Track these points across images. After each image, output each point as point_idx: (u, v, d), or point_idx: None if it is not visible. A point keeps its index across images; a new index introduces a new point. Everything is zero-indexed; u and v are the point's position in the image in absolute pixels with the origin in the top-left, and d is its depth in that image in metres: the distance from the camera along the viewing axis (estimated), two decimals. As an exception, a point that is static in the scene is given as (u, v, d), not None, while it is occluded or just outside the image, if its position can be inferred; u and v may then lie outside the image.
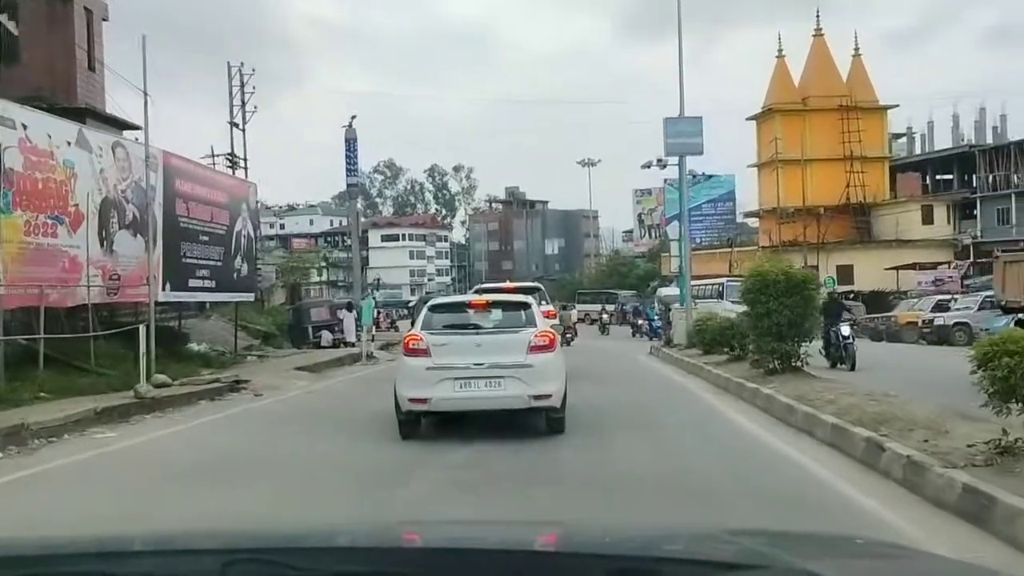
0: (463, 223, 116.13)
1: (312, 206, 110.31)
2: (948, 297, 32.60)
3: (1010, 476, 5.34)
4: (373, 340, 25.03)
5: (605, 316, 43.51)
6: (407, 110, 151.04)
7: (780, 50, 52.92)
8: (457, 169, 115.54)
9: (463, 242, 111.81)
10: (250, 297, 24.61)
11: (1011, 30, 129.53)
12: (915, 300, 34.66)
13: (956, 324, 28.29)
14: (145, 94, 16.47)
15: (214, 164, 32.86)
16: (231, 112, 36.47)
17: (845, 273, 44.21)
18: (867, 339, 28.43)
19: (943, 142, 60.35)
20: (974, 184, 49.79)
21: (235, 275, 21.94)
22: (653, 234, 79.31)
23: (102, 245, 15.93)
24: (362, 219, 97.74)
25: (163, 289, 17.85)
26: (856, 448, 7.13)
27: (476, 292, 16.14)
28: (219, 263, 20.64)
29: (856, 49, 53.03)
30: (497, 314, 9.96)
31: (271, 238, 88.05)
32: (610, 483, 6.91)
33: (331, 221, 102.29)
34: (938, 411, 7.88)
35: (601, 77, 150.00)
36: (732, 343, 16.96)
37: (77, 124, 15.94)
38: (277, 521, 5.55)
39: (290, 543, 1.76)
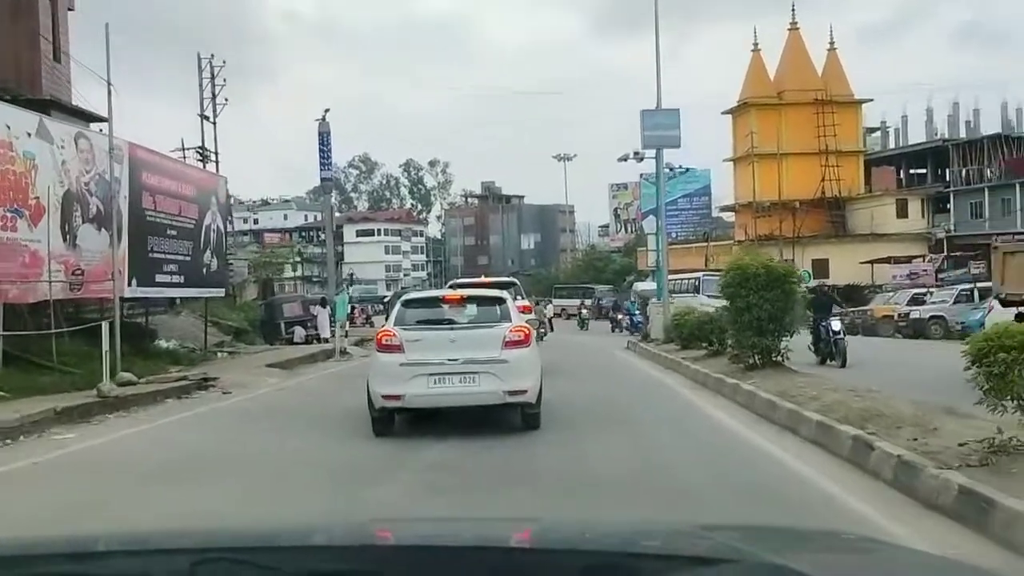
0: (439, 218, 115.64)
1: (286, 201, 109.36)
2: (924, 291, 32.68)
3: (1007, 477, 5.11)
4: (347, 336, 24.64)
5: (584, 311, 43.04)
6: (382, 105, 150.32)
7: (756, 44, 52.99)
8: (433, 164, 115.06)
9: (439, 237, 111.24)
10: (220, 293, 24.13)
11: (984, 25, 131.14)
12: (890, 294, 34.72)
13: (932, 317, 28.34)
14: (108, 83, 15.98)
15: (184, 157, 32.25)
16: (201, 105, 35.88)
17: (820, 267, 44.27)
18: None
19: (917, 136, 60.59)
20: (947, 178, 50.07)
21: (205, 270, 21.46)
22: (629, 229, 79.22)
23: (65, 239, 15.44)
24: (337, 214, 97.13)
25: (129, 285, 17.36)
26: (843, 447, 6.89)
27: (451, 287, 15.86)
28: (188, 258, 20.14)
29: (831, 43, 53.23)
30: (471, 309, 9.88)
31: (245, 233, 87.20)
32: (587, 483, 6.70)
33: (305, 216, 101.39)
34: (924, 407, 7.67)
35: (577, 72, 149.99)
36: (711, 338, 16.74)
37: (37, 115, 15.42)
38: (248, 521, 5.36)
39: (261, 542, 1.74)
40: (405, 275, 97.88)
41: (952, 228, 46.75)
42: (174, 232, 19.51)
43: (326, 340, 25.60)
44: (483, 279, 19.17)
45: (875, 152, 57.41)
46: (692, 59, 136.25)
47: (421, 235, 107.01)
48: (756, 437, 8.44)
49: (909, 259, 43.61)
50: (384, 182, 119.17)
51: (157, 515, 5.81)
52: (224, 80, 36.24)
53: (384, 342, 9.25)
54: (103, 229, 16.25)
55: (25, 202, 14.19)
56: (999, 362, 5.38)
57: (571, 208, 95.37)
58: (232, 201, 60.05)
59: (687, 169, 46.36)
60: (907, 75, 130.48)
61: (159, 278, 18.93)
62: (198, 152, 34.57)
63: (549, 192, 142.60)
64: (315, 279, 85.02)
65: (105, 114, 17.52)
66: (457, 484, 6.84)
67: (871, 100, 54.52)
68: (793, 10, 55.16)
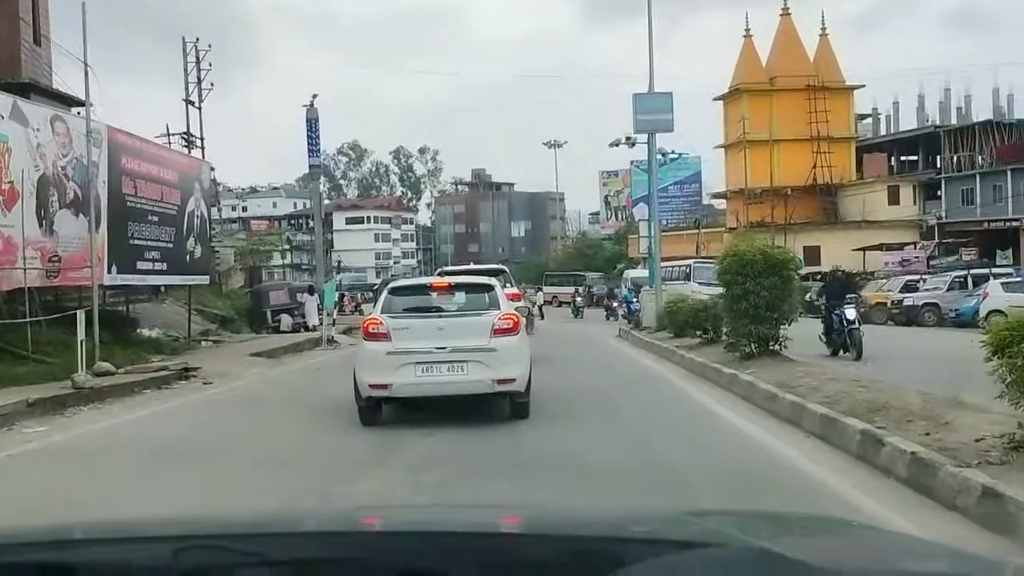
0: (429, 206, 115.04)
1: (275, 188, 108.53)
2: (917, 278, 32.45)
3: (1031, 476, 4.76)
4: (334, 324, 24.22)
5: (579, 299, 42.00)
6: (372, 92, 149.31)
7: (747, 29, 52.57)
8: (423, 151, 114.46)
9: (429, 225, 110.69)
10: (204, 280, 23.65)
11: (975, 12, 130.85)
12: (883, 281, 34.47)
13: (925, 304, 28.10)
14: (86, 64, 15.57)
15: (170, 143, 31.72)
16: (186, 89, 35.30)
17: (812, 254, 43.97)
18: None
19: (908, 123, 60.27)
20: (939, 165, 49.85)
21: (188, 257, 20.99)
22: (620, 216, 78.95)
23: (40, 225, 14.96)
24: (326, 201, 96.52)
25: (108, 272, 16.89)
26: (850, 441, 6.51)
27: (439, 275, 15.52)
28: (170, 245, 19.67)
29: (823, 29, 52.88)
30: (460, 297, 9.76)
31: (233, 221, 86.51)
32: (579, 477, 6.41)
33: (294, 204, 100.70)
34: (932, 399, 7.29)
35: (568, 59, 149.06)
36: (705, 326, 16.38)
37: (12, 96, 14.89)
38: (231, 509, 5.16)
39: (245, 529, 1.70)
40: (395, 263, 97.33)
41: (943, 215, 46.56)
42: (156, 218, 19.03)
43: (314, 328, 25.14)
44: (472, 266, 18.79)
45: (866, 139, 57.15)
46: (683, 47, 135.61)
47: (411, 223, 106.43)
48: (758, 431, 8.05)
49: (901, 246, 43.41)
50: (374, 169, 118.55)
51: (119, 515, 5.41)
52: (210, 64, 35.71)
53: (371, 330, 9.09)
54: (81, 215, 15.77)
55: (-2, 186, 13.72)
56: (1023, 352, 5.02)
57: (561, 195, 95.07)
58: (220, 188, 59.44)
59: (680, 155, 45.89)
60: (898, 62, 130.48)
61: (140, 265, 18.47)
62: (183, 138, 34.01)
63: (539, 179, 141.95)
64: (304, 267, 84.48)
65: (80, 94, 17.09)
66: (445, 474, 6.70)
67: (863, 86, 54.31)
68: (785, -5, 54.52)
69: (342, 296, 43.03)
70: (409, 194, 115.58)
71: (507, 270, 19.23)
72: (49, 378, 12.81)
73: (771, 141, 49.83)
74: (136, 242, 18.18)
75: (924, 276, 33.08)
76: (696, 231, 50.91)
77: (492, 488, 6.19)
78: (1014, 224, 41.73)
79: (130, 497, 6.27)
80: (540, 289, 44.44)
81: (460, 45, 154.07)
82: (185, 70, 35.46)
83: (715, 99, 54.24)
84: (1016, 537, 4.21)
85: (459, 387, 8.79)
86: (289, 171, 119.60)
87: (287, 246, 79.42)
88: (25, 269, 14.23)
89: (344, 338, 23.18)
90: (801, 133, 50.00)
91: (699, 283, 30.38)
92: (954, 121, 55.21)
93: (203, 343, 21.51)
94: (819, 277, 39.03)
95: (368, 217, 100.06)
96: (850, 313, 14.80)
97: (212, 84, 35.68)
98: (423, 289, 10.19)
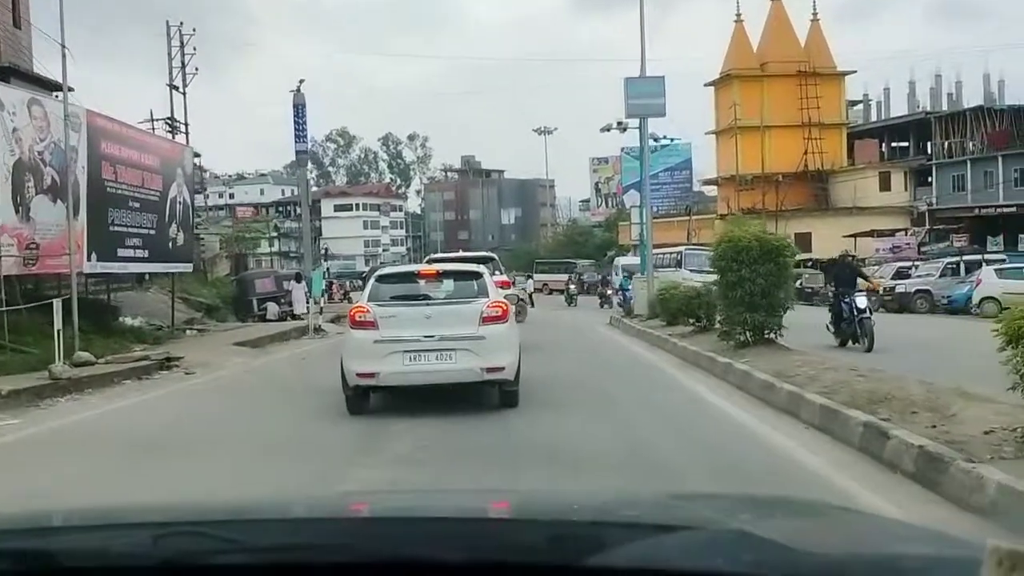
0: (418, 193, 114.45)
1: (263, 175, 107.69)
2: (908, 264, 32.32)
3: (1048, 472, 4.49)
4: (322, 312, 23.88)
5: (572, 287, 41.26)
6: (361, 78, 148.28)
7: (738, 15, 52.22)
8: (412, 138, 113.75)
9: (418, 212, 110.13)
10: (188, 268, 23.26)
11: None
12: (876, 267, 34.33)
13: (917, 291, 27.93)
14: (63, 46, 15.14)
15: (153, 128, 31.27)
16: (170, 74, 34.81)
17: (803, 240, 43.78)
18: (827, 308, 27.95)
19: (899, 109, 60.23)
20: (929, 151, 49.72)
21: (170, 244, 20.60)
22: (610, 203, 78.78)
23: (17, 211, 14.59)
24: (314, 188, 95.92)
25: (88, 259, 16.53)
26: (852, 434, 6.24)
27: (428, 262, 15.26)
28: (152, 231, 19.27)
29: (814, 14, 52.57)
30: (448, 284, 9.65)
31: (220, 208, 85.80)
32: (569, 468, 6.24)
33: (282, 191, 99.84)
34: (935, 389, 7.04)
35: (558, 45, 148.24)
36: (698, 314, 16.11)
37: (-15, 78, 14.52)
38: (213, 497, 4.96)
39: (227, 516, 1.67)
40: (384, 250, 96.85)
41: (934, 201, 46.45)
42: (137, 204, 18.63)
43: (301, 317, 24.78)
44: (460, 254, 18.53)
45: (857, 125, 56.99)
46: (674, 33, 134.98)
47: (400, 210, 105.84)
48: (754, 421, 7.78)
49: (892, 232, 43.28)
50: (362, 156, 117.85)
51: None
52: (194, 49, 35.28)
53: (357, 319, 8.99)
54: (59, 201, 15.39)
55: (-29, 172, 13.34)
56: (1039, 342, 4.77)
57: (552, 182, 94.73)
58: (207, 175, 58.88)
59: (672, 139, 45.58)
60: (889, 46, 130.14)
61: (121, 252, 18.08)
62: (167, 123, 33.56)
63: (530, 166, 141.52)
64: (292, 254, 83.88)
65: (70, 83, 16.69)
66: (434, 463, 6.62)
67: (854, 72, 54.12)
68: (776, -20, 54.15)
69: (331, 284, 42.68)
70: (398, 181, 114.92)
71: (496, 258, 19.02)
72: (27, 368, 12.48)
73: (762, 127, 49.61)
74: (116, 229, 17.79)
75: (916, 263, 32.96)
76: (687, 218, 50.65)
77: (481, 477, 6.11)
78: (1005, 210, 41.66)
79: (105, 492, 5.97)
80: (530, 277, 44.06)
81: (450, 30, 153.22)
82: (169, 54, 35.02)
83: (706, 85, 53.96)
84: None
85: (447, 376, 8.69)
86: (277, 158, 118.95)
87: (274, 233, 78.87)
88: (1, 256, 13.88)
89: (332, 326, 22.85)
90: (792, 119, 49.79)
91: (690, 270, 30.18)
92: (945, 107, 55.16)
93: (187, 332, 21.15)
94: (810, 264, 38.98)
95: (357, 204, 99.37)
96: (861, 301, 13.87)
97: (196, 69, 35.31)
98: (411, 277, 10.02)
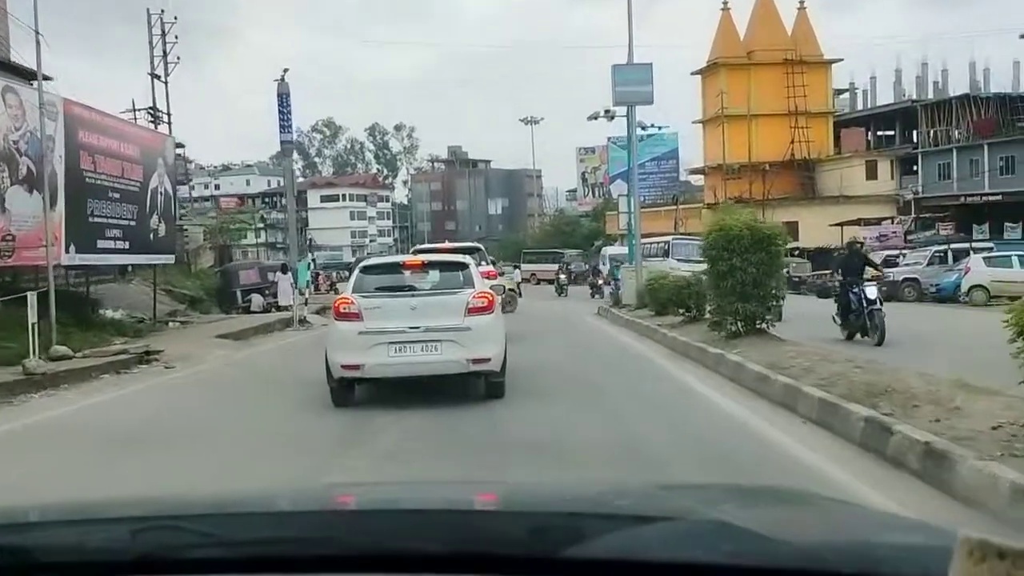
0: (405, 183, 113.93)
1: (248, 166, 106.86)
2: (896, 252, 32.26)
3: (1061, 470, 4.28)
4: (307, 304, 23.56)
5: (562, 276, 40.68)
6: (347, 68, 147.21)
7: (725, 3, 51.93)
8: (398, 128, 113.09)
9: (405, 203, 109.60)
10: (170, 259, 22.85)
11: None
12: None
13: (905, 280, 27.83)
14: (37, 32, 14.75)
15: (135, 118, 30.83)
16: (152, 63, 34.33)
17: (790, 229, 43.49)
18: (814, 296, 27.94)
19: (885, 98, 60.22)
20: (915, 139, 49.69)
21: (152, 236, 20.21)
22: (597, 193, 78.63)
23: (-10, 202, 14.22)
24: (300, 179, 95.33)
25: (67, 251, 16.16)
26: (853, 429, 6.02)
27: (414, 253, 15.04)
28: (132, 223, 18.89)
29: (801, 2, 52.35)
30: (433, 275, 9.61)
31: (206, 199, 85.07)
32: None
33: (268, 181, 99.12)
34: (936, 381, 6.85)
35: (544, 34, 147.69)
36: (688, 304, 15.90)
37: (-44, 66, 14.12)
38: (194, 491, 4.66)
39: (208, 509, 1.64)
40: (371, 241, 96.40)
41: (920, 190, 46.42)
42: (117, 195, 18.24)
43: (286, 308, 24.45)
44: (446, 244, 18.32)
45: (844, 114, 56.94)
46: (661, 22, 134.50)
47: (387, 200, 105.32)
48: (749, 415, 7.55)
49: (879, 221, 43.26)
50: (349, 147, 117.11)
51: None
52: (176, 37, 34.83)
53: (342, 310, 8.95)
54: (35, 191, 15.01)
55: (-57, 162, 12.97)
56: (1050, 333, 4.56)
57: (538, 172, 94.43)
58: (192, 166, 58.27)
59: (659, 128, 45.35)
60: (875, 32, 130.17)
61: (101, 244, 17.70)
62: (149, 113, 33.12)
63: (516, 156, 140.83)
64: (279, 245, 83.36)
65: (49, 73, 16.33)
66: (420, 456, 6.55)
67: (841, 60, 53.97)
68: (762, -32, 53.87)
69: (317, 275, 42.31)
70: (385, 171, 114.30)
71: (482, 248, 18.83)
72: (1, 364, 12.15)
73: (749, 116, 49.45)
74: (96, 220, 17.40)
75: (903, 251, 32.90)
76: (674, 207, 50.52)
77: (467, 470, 6.03)
78: (991, 199, 41.68)
79: (79, 489, 5.69)
80: (517, 267, 43.76)
81: (437, 19, 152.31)
82: (150, 43, 34.58)
83: (693, 73, 53.75)
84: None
85: (433, 367, 8.63)
86: (263, 149, 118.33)
87: (260, 225, 78.32)
88: (-26, 249, 13.53)
89: (317, 318, 22.56)
90: (779, 108, 49.66)
91: (678, 259, 30.04)
92: (931, 95, 55.11)
93: (170, 324, 20.81)
94: (796, 252, 38.87)
95: (343, 195, 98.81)
96: (871, 291, 13.12)
97: (179, 58, 34.87)
98: (396, 268, 9.94)
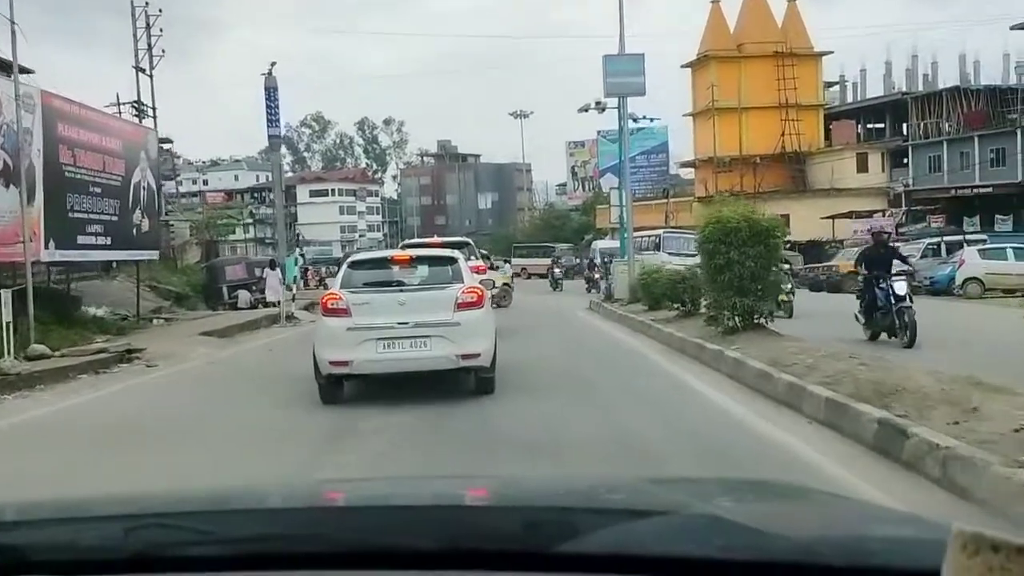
0: (394, 178, 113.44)
1: (237, 161, 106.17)
2: (889, 245, 32.05)
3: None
4: (294, 300, 23.19)
5: (557, 270, 39.86)
6: (336, 62, 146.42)
7: (715, -6, 51.61)
8: (388, 122, 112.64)
9: (395, 197, 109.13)
10: (154, 255, 22.42)
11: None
12: (855, 249, 34.11)
13: (899, 273, 27.59)
14: (12, 22, 14.35)
15: (120, 112, 30.38)
16: (136, 56, 33.85)
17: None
18: (807, 289, 27.72)
19: (875, 90, 60.10)
20: (906, 132, 49.58)
21: (134, 231, 19.78)
22: (587, 187, 78.41)
23: (-34, 198, 13.81)
24: (289, 174, 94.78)
25: (46, 247, 15.74)
26: (864, 431, 5.71)
27: (403, 248, 14.78)
28: (114, 218, 18.45)
29: (791, -6, 52.08)
30: (422, 270, 9.52)
31: (194, 194, 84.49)
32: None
33: (257, 176, 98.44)
34: (947, 379, 6.54)
35: (533, 28, 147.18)
36: (683, 298, 15.59)
37: (-72, 57, 13.68)
38: (185, 488, 4.42)
39: (200, 507, 1.62)
40: (361, 236, 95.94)
41: (911, 182, 46.33)
42: (98, 190, 17.80)
43: (275, 304, 24.05)
44: (435, 239, 18.06)
45: (834, 106, 56.78)
46: (651, 15, 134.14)
47: (376, 195, 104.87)
48: (751, 415, 7.24)
49: (870, 214, 43.13)
50: (338, 141, 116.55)
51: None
52: (160, 30, 34.35)
53: (330, 306, 8.87)
54: (12, 186, 14.60)
55: (-85, 155, 12.55)
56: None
57: (528, 166, 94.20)
58: (180, 161, 57.68)
59: (651, 119, 45.06)
60: (865, 24, 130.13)
61: (81, 240, 17.26)
62: (134, 106, 32.66)
63: (506, 151, 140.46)
64: (268, 240, 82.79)
65: (30, 66, 15.97)
66: (410, 453, 6.53)
67: (831, 52, 53.73)
68: (753, -40, 53.56)
69: (306, 270, 41.89)
70: (374, 166, 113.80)
71: (471, 243, 18.58)
72: (-21, 363, 11.77)
73: (740, 108, 49.23)
74: (76, 215, 16.97)
75: (896, 244, 32.70)
76: (664, 201, 50.30)
77: (458, 467, 5.98)
78: (981, 191, 41.59)
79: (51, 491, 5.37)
80: (508, 261, 43.34)
81: (425, 13, 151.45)
82: (134, 35, 34.11)
83: (683, 66, 53.47)
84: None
85: (422, 363, 8.58)
86: (252, 144, 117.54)
87: (249, 220, 77.76)
88: (-51, 245, 13.14)
89: (305, 314, 22.19)
90: (770, 100, 49.43)
91: (669, 253, 29.86)
92: (921, 88, 55.01)
93: (154, 321, 20.42)
94: (788, 246, 38.68)
95: (332, 190, 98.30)
96: (900, 287, 11.83)
97: (164, 51, 34.43)
98: (384, 262, 9.86)
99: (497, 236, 72.98)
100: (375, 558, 1.28)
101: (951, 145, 44.89)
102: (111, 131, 19.16)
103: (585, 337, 15.80)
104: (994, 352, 10.06)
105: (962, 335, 12.48)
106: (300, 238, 68.25)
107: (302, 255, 41.05)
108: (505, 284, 23.75)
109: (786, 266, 15.48)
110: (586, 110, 29.96)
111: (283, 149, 72.71)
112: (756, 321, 11.44)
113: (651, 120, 45.30)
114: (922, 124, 47.23)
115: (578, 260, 48.83)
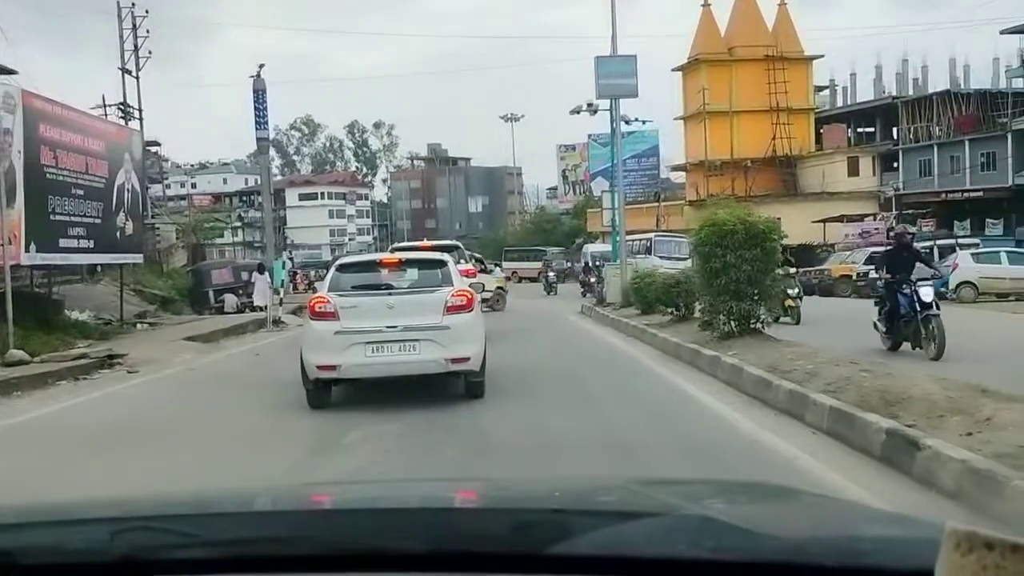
0: (384, 181, 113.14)
1: (225, 164, 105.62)
2: (880, 249, 31.95)
3: None
4: (282, 304, 22.87)
5: (551, 274, 39.51)
6: (326, 65, 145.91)
7: (706, -2, 51.55)
8: (378, 126, 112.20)
9: (385, 201, 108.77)
10: (138, 259, 22.06)
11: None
12: (847, 253, 34.06)
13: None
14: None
15: (106, 114, 30.03)
16: (122, 58, 33.53)
17: (773, 226, 43.36)
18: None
19: (865, 94, 60.03)
20: (896, 136, 49.61)
21: (118, 234, 19.42)
22: (577, 190, 78.25)
23: (-56, 200, 13.48)
24: (278, 177, 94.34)
25: (27, 251, 15.38)
26: (872, 442, 5.45)
27: (392, 251, 14.58)
28: (97, 220, 18.10)
29: (782, -2, 52.06)
30: (411, 273, 9.43)
31: (182, 198, 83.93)
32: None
33: (245, 180, 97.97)
34: (954, 387, 6.31)
35: (524, 30, 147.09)
36: (677, 302, 15.36)
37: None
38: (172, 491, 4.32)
39: (187, 510, 1.62)
40: (350, 239, 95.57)
41: (901, 186, 46.32)
42: (80, 192, 17.44)
43: (262, 309, 23.72)
44: (425, 243, 17.84)
45: (825, 110, 56.80)
46: (641, 19, 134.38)
47: (366, 199, 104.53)
48: (753, 425, 6.96)
49: (861, 218, 43.10)
50: (328, 144, 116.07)
51: None
52: (147, 31, 34.06)
53: (317, 309, 8.78)
54: (-9, 188, 14.27)
55: None
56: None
57: (519, 170, 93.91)
58: (168, 164, 57.24)
59: (644, 122, 44.91)
60: (855, 28, 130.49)
61: (64, 243, 16.89)
62: (119, 108, 32.32)
63: (497, 154, 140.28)
64: (257, 244, 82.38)
65: (12, 66, 15.66)
66: (400, 458, 6.48)
67: (822, 56, 53.77)
68: (743, -36, 53.51)
69: (295, 274, 41.56)
70: (364, 169, 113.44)
71: (461, 246, 18.41)
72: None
73: (731, 112, 49.16)
74: (58, 218, 16.60)
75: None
76: (655, 204, 50.17)
77: (448, 472, 5.94)
78: (971, 195, 41.60)
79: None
80: (498, 264, 43.02)
81: (416, 16, 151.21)
82: (121, 37, 33.80)
83: (674, 70, 53.42)
84: None
85: (411, 367, 8.48)
86: (240, 147, 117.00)
87: (237, 223, 77.34)
88: (-74, 248, 12.82)
89: (293, 318, 21.89)
90: (760, 104, 49.35)
91: (660, 257, 29.71)
92: (911, 92, 55.01)
93: (138, 326, 20.08)
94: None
95: (322, 193, 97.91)
96: (926, 293, 10.76)
97: (150, 52, 34.14)
98: (372, 266, 9.70)
99: (487, 240, 72.72)
100: (363, 561, 1.27)
101: (941, 149, 44.92)
102: (94, 132, 18.82)
103: (580, 343, 15.54)
104: (958, 349, 9.72)
105: (987, 344, 11.47)
106: (287, 241, 67.81)
107: (290, 259, 40.75)
108: (499, 288, 23.56)
109: (792, 270, 15.05)
110: (578, 112, 29.81)
111: (272, 152, 72.29)
112: (753, 326, 11.21)
113: (643, 123, 45.16)
114: (912, 128, 47.25)
115: (569, 264, 48.60)
